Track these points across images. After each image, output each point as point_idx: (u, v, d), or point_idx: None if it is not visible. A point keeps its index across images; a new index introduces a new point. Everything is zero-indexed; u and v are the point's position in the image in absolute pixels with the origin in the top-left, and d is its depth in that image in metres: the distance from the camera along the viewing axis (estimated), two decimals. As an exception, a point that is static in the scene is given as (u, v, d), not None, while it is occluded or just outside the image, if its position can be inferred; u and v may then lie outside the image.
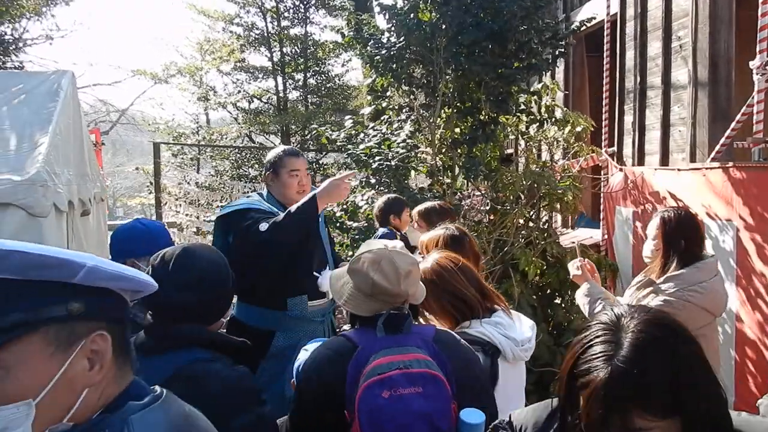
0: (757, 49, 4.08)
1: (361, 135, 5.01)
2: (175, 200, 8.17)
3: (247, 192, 8.46)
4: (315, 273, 3.09)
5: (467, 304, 2.09)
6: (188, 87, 10.84)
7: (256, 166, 9.92)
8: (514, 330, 2.06)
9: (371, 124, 5.26)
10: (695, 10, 5.44)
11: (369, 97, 5.87)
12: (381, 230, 4.48)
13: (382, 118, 5.25)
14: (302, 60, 10.02)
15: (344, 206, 5.14)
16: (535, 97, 5.17)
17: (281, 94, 10.12)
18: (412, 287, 1.83)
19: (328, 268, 3.16)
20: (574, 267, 3.17)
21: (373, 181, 4.70)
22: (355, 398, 1.60)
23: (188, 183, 9.10)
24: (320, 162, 9.21)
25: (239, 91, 10.47)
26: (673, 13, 5.82)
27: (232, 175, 9.89)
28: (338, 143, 5.07)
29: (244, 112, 10.64)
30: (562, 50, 5.03)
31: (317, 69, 10.02)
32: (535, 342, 2.13)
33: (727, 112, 5.27)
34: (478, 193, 5.40)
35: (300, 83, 10.07)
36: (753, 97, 4.15)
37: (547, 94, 5.12)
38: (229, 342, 1.74)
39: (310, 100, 10.25)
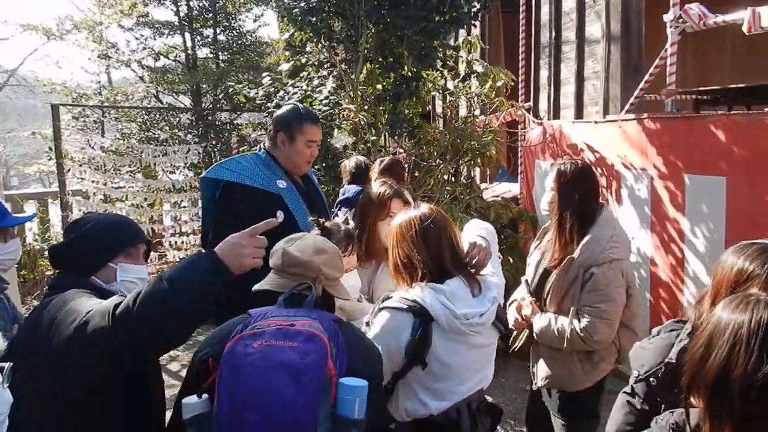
0: (671, 3, 4.19)
1: (281, 93, 4.82)
2: (79, 166, 7.65)
3: (158, 155, 8.04)
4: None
5: (413, 267, 2.04)
6: (87, 44, 10.07)
7: (167, 128, 9.42)
8: (460, 302, 1.98)
9: (290, 82, 5.07)
10: (607, -36, 5.53)
11: (287, 53, 5.66)
12: (353, 188, 4.33)
13: (301, 74, 5.07)
14: (211, 15, 9.50)
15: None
16: (456, 52, 5.13)
17: (190, 52, 9.58)
18: (326, 266, 1.76)
19: None
20: (516, 313, 2.85)
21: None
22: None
23: (92, 147, 8.53)
24: (234, 123, 8.86)
25: (144, 48, 9.84)
26: (586, -33, 5.90)
27: (140, 138, 9.36)
28: (257, 102, 4.85)
29: (150, 71, 10.01)
30: (485, 4, 5.00)
31: (228, 24, 9.54)
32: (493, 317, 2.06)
33: (638, 65, 5.44)
34: (402, 150, 5.36)
35: (210, 40, 9.57)
36: (666, 50, 4.29)
37: (469, 50, 5.09)
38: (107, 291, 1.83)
39: (221, 58, 9.77)
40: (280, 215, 2.71)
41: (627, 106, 4.87)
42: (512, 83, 5.53)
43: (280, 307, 1.67)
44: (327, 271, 1.77)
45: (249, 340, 1.54)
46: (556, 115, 6.35)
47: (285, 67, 5.33)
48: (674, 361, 1.60)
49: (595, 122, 4.93)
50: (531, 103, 6.69)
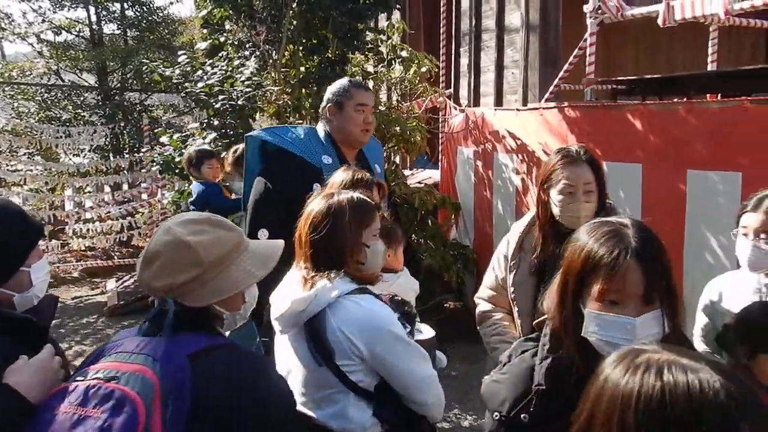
0: (590, -6, 4.30)
1: (199, 72, 4.59)
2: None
3: (61, 136, 7.52)
4: None
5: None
6: (-26, 14, 9.28)
7: (70, 108, 8.82)
8: (280, 296, 1.86)
9: (209, 61, 4.84)
10: (527, -45, 5.62)
11: (204, 31, 5.40)
12: (196, 186, 4.30)
13: (220, 54, 4.85)
14: (117, -11, 8.99)
15: (182, 150, 4.73)
16: (382, 35, 5.07)
17: (95, 27, 8.98)
18: (159, 280, 1.38)
19: None
20: None
21: (216, 122, 4.35)
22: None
23: (-17, 127, 7.90)
24: (145, 103, 8.41)
25: (43, 21, 9.14)
26: (506, -42, 5.98)
27: (40, 118, 8.71)
28: (173, 81, 4.60)
29: (50, 46, 9.33)
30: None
31: (135, 0, 9.04)
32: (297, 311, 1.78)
33: (556, 55, 5.59)
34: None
35: (117, 15, 9.01)
36: (585, 40, 4.40)
37: (393, 33, 5.04)
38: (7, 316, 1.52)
39: (129, 35, 9.24)
40: (317, 188, 2.60)
41: (546, 95, 4.98)
42: (436, 69, 5.53)
43: (139, 333, 1.38)
44: (162, 285, 1.38)
45: (56, 401, 1.25)
46: (476, 102, 6.43)
47: (202, 45, 5.09)
48: (544, 385, 1.37)
49: (517, 110, 5.02)
50: (452, 90, 6.75)
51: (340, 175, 2.42)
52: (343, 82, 2.95)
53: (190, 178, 4.56)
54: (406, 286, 2.36)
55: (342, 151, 2.91)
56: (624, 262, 1.25)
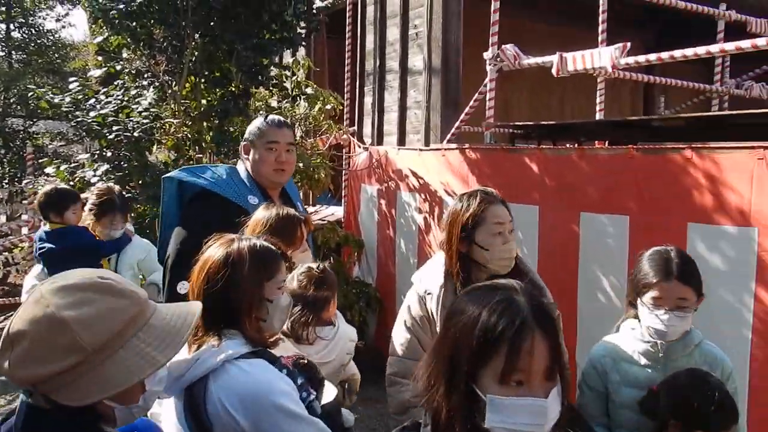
0: (490, 42, 4.49)
1: (92, 101, 4.35)
2: None
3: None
4: None
5: None
6: None
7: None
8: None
9: (103, 89, 4.60)
10: (430, 2, 5.82)
11: (99, 58, 5.14)
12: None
13: (116, 82, 4.63)
14: (4, 8, 8.43)
15: (70, 181, 4.43)
16: (287, 72, 5.04)
17: (-25, 48, 8.41)
18: (22, 368, 1.08)
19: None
20: None
21: (109, 154, 4.11)
22: None
23: None
24: (29, 130, 7.87)
25: None
26: (410, 2, 6.16)
27: None
28: (63, 109, 4.32)
29: None
30: (316, 26, 4.97)
31: (24, 21, 8.52)
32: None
33: (457, 98, 5.77)
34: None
35: (1, 36, 8.47)
36: (486, 85, 4.57)
37: (299, 70, 5.02)
38: None
39: (14, 57, 8.68)
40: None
41: (448, 136, 5.11)
42: (341, 107, 5.56)
43: None
44: (31, 377, 1.09)
45: None
46: (380, 141, 6.51)
47: (97, 73, 4.83)
48: None
49: (420, 150, 5.10)
50: (356, 128, 6.80)
51: (262, 214, 2.29)
52: (258, 119, 2.82)
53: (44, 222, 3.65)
54: (345, 337, 2.28)
55: (266, 191, 2.77)
56: (529, 335, 1.09)
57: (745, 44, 3.13)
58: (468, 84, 5.55)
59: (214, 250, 1.66)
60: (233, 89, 4.37)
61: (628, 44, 3.68)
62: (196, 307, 1.31)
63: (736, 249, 2.72)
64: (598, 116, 4.84)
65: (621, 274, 3.31)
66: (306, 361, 1.76)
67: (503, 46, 4.50)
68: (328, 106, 5.23)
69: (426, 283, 2.24)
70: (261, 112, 5.08)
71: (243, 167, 2.78)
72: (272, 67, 4.88)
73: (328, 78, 8.04)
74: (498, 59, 4.52)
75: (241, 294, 1.58)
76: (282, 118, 2.88)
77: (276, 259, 1.69)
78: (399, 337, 2.30)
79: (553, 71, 4.07)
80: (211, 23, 4.14)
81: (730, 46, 3.29)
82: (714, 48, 3.28)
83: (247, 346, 1.55)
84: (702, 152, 2.91)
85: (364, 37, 6.82)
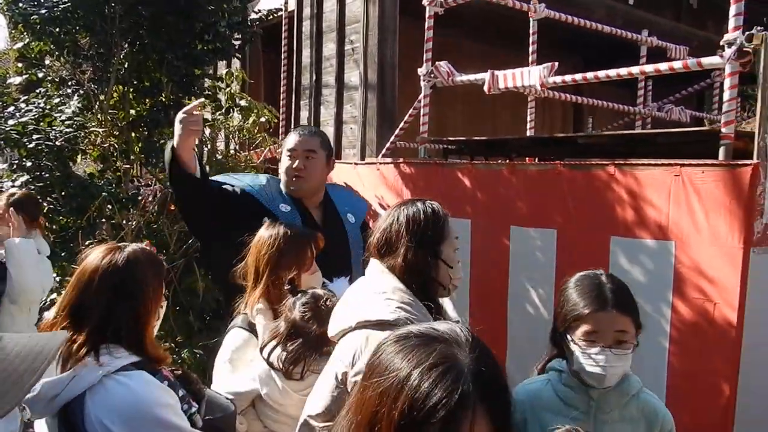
0: (424, 59, 4.55)
1: (11, 108, 4.15)
2: None
3: None
4: (325, 280, 2.39)
5: None
6: None
7: None
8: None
9: (23, 97, 4.40)
10: (366, 17, 5.87)
11: (19, 65, 4.93)
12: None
13: (37, 90, 4.43)
14: None
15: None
16: (220, 83, 4.96)
17: None
18: None
19: (344, 277, 2.48)
20: None
21: (29, 164, 3.92)
22: None
23: None
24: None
25: None
26: (346, 18, 6.19)
27: None
28: (-22, 116, 4.11)
29: None
30: (250, 38, 4.92)
31: (-60, 24, 8.12)
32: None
33: (392, 113, 5.82)
34: (158, 181, 4.97)
35: None
36: (420, 101, 4.62)
37: (233, 82, 4.95)
38: None
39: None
40: (266, 221, 2.46)
41: (383, 151, 5.13)
42: (276, 120, 5.50)
43: None
44: None
45: None
46: (316, 155, 6.48)
47: (17, 80, 4.63)
48: None
49: (355, 164, 5.11)
50: (292, 142, 6.74)
51: (268, 232, 2.22)
52: (291, 131, 2.98)
53: None
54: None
55: (301, 201, 2.80)
56: (468, 416, 0.85)
57: (663, 66, 3.29)
58: (404, 99, 5.61)
59: (94, 256, 1.55)
60: (163, 99, 4.26)
61: (556, 64, 3.80)
62: (55, 341, 1.01)
63: (655, 261, 2.82)
64: (529, 133, 4.97)
65: (549, 286, 3.39)
66: (185, 374, 1.70)
67: (437, 63, 4.57)
68: (263, 119, 5.17)
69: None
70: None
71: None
72: (205, 78, 4.79)
73: (264, 91, 7.96)
74: (432, 76, 4.58)
75: (137, 303, 1.52)
76: (311, 128, 2.96)
77: (162, 267, 1.66)
78: (324, 393, 1.75)
79: (485, 88, 4.16)
80: (141, 31, 4.03)
81: (650, 68, 3.45)
82: (634, 69, 3.43)
83: (130, 357, 1.49)
84: (624, 168, 3.02)
85: (300, 51, 6.80)
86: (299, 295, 2.07)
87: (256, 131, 5.27)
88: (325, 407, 1.69)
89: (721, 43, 2.71)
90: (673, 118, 5.87)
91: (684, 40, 6.21)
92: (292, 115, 6.82)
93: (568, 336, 1.67)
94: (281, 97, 6.79)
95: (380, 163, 4.78)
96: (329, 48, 6.43)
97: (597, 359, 1.60)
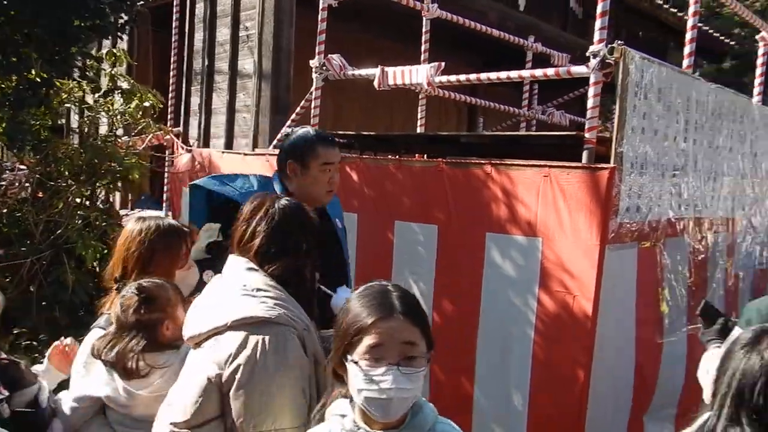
0: (316, 51, 4.52)
1: None
2: None
3: None
4: (324, 289, 2.27)
5: None
6: None
7: None
8: None
9: None
10: (262, 4, 5.77)
11: None
12: None
13: None
14: None
15: None
16: (100, 63, 4.70)
17: None
18: None
19: (346, 287, 2.44)
20: None
21: None
22: None
23: None
24: None
25: None
26: (241, 3, 6.05)
27: None
28: None
29: None
30: (134, 17, 4.69)
31: None
32: None
33: (286, 103, 5.75)
34: (24, 166, 4.65)
35: None
36: (312, 93, 4.60)
37: (114, 63, 4.71)
38: None
39: None
40: None
41: (275, 142, 5.07)
42: (161, 105, 5.29)
43: None
44: None
45: None
46: (207, 143, 6.30)
47: None
48: None
49: (245, 154, 5.01)
50: (181, 128, 6.52)
51: (137, 226, 2.08)
52: (308, 134, 2.56)
53: None
54: None
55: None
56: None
57: (538, 72, 3.46)
58: (301, 91, 5.55)
59: None
60: (32, 77, 3.98)
61: (443, 64, 3.90)
62: None
63: (525, 257, 2.97)
64: (419, 131, 5.07)
65: (430, 281, 3.47)
66: (8, 361, 1.62)
67: (329, 56, 4.56)
68: (147, 104, 4.95)
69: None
70: (68, 105, 4.70)
71: (279, 185, 2.55)
72: (81, 57, 4.51)
73: (154, 75, 7.64)
74: (324, 68, 4.57)
75: None
76: (332, 135, 2.69)
77: None
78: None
79: (375, 84, 4.20)
80: (5, 2, 3.73)
81: (526, 73, 3.62)
82: (512, 74, 3.57)
83: None
84: (500, 168, 3.14)
85: (192, 34, 6.58)
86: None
87: (139, 116, 5.05)
88: (193, 413, 1.62)
89: (587, 54, 2.88)
90: (555, 121, 6.19)
91: (569, 49, 6.56)
92: (182, 100, 6.59)
93: (349, 357, 1.39)
94: (171, 82, 6.53)
95: (270, 155, 4.71)
96: (223, 33, 6.26)
97: (382, 381, 1.34)
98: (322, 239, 2.54)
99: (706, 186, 3.58)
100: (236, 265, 1.77)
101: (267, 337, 1.61)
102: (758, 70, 4.65)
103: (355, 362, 1.37)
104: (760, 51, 4.66)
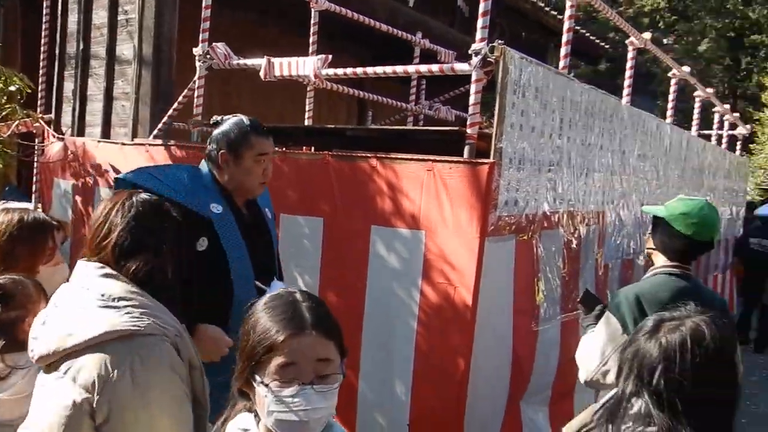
0: (200, 38, 4.36)
1: None
2: None
3: None
4: (259, 284, 2.38)
5: None
6: None
7: None
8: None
9: None
10: (142, -13, 5.47)
11: None
12: None
13: None
14: None
15: None
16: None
17: None
18: None
19: (279, 280, 2.53)
20: None
21: None
22: None
23: None
24: None
25: None
26: (119, -15, 5.72)
27: None
28: None
29: None
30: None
31: None
32: None
33: (168, 92, 5.50)
34: None
35: None
36: (195, 82, 4.43)
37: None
38: None
39: None
40: (204, 242, 2.31)
41: (155, 132, 4.84)
42: (29, 90, 4.90)
43: None
44: None
45: None
46: (82, 132, 5.91)
47: None
48: None
49: (123, 144, 4.76)
50: (53, 115, 6.08)
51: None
52: (241, 123, 2.49)
53: None
54: None
55: (232, 198, 2.46)
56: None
57: (435, 68, 3.52)
58: (186, 79, 5.33)
59: None
60: None
61: (330, 56, 3.87)
62: None
63: (409, 249, 3.01)
64: (307, 123, 5.02)
65: (315, 275, 3.44)
66: None
67: (214, 44, 4.41)
68: (13, 88, 4.57)
69: None
70: None
71: (209, 174, 2.48)
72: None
73: (22, 57, 7.06)
74: (208, 56, 4.41)
75: None
76: (261, 124, 2.59)
77: None
78: None
79: (261, 74, 4.10)
80: None
81: (411, 69, 3.67)
82: (400, 68, 3.62)
83: None
84: (385, 162, 3.17)
85: (65, 16, 6.14)
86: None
87: (4, 101, 4.65)
88: None
89: (469, 52, 2.96)
90: (441, 116, 6.34)
91: (456, 46, 6.72)
92: (54, 86, 6.14)
93: (257, 377, 1.26)
94: (41, 65, 6.07)
95: (150, 145, 4.51)
96: (100, 16, 5.88)
97: (295, 403, 1.23)
98: (256, 229, 2.57)
99: (579, 181, 3.79)
100: (88, 271, 1.61)
101: (139, 352, 1.48)
102: (627, 73, 4.98)
103: (265, 384, 1.25)
104: (629, 55, 5.00)
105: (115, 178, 2.51)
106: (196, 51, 4.44)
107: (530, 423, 3.38)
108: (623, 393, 1.52)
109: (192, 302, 1.95)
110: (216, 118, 2.64)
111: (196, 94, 4.46)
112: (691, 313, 1.54)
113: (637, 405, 1.48)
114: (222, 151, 2.45)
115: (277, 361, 1.25)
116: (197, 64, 4.45)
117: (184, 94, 4.60)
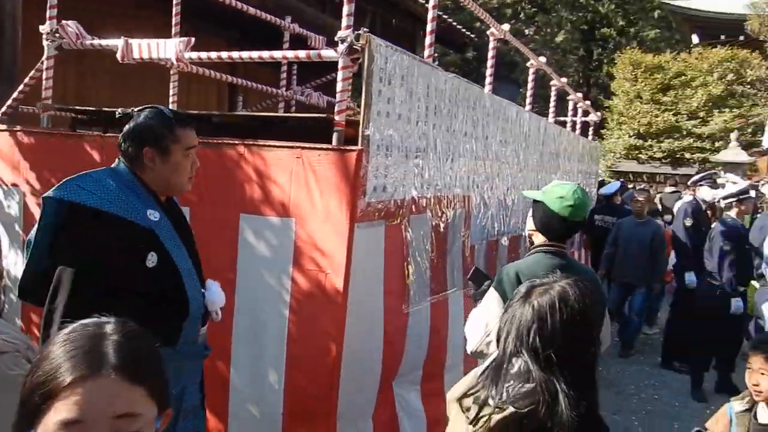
0: (47, 15, 4.02)
1: None
2: None
3: None
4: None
5: None
6: None
7: None
8: None
9: None
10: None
11: None
12: None
13: None
14: None
15: None
16: None
17: None
18: None
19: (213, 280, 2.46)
20: None
21: None
22: None
23: None
24: None
25: None
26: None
27: None
28: None
29: None
30: None
31: None
32: None
33: (12, 73, 5.06)
34: None
35: None
36: (43, 63, 4.09)
37: None
38: None
39: None
40: (153, 258, 2.13)
41: (-1, 115, 4.43)
42: None
43: None
44: None
45: None
46: None
47: None
48: None
49: (-40, 130, 4.29)
50: None
51: None
52: (162, 115, 2.29)
53: None
54: None
55: (159, 199, 2.30)
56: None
57: (302, 54, 3.48)
58: (35, 60, 4.91)
59: None
60: None
61: (192, 39, 3.71)
62: None
63: (279, 237, 2.98)
64: (171, 108, 4.79)
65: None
66: None
67: (64, 22, 4.07)
68: None
69: None
70: None
71: (131, 175, 2.24)
72: None
73: None
74: (57, 35, 4.08)
75: None
76: (184, 114, 2.43)
77: None
78: None
79: (118, 56, 3.86)
80: None
81: (278, 54, 3.61)
82: (266, 54, 3.53)
83: None
84: (253, 149, 3.11)
85: None
86: None
87: None
88: None
89: (336, 39, 2.96)
90: (312, 102, 6.31)
91: (327, 31, 6.68)
92: None
93: None
94: None
95: (-4, 130, 4.11)
96: None
97: None
98: (181, 230, 2.41)
99: (445, 167, 3.92)
100: None
101: None
102: (489, 62, 5.20)
103: None
104: (491, 45, 5.22)
105: (43, 198, 2.20)
106: (44, 29, 4.09)
107: (403, 402, 3.48)
108: (504, 354, 1.69)
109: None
110: (124, 110, 2.39)
111: (45, 76, 4.11)
112: (558, 279, 1.75)
113: (518, 364, 1.65)
114: (146, 147, 2.24)
115: (58, 414, 0.90)
116: (45, 43, 4.11)
117: (31, 75, 4.23)
